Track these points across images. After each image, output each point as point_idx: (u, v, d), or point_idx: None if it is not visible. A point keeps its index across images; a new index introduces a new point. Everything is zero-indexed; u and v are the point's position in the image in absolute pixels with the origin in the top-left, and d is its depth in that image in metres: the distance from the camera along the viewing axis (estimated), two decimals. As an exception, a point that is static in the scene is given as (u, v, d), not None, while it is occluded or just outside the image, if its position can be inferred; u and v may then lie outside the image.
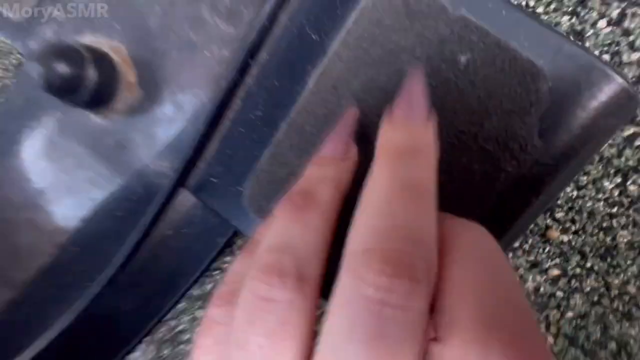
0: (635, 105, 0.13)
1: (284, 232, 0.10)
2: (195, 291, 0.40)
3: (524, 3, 0.25)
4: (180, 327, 0.40)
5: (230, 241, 0.24)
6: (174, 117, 0.16)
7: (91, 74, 0.14)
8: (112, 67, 0.15)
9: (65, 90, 0.13)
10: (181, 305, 0.41)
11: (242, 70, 0.15)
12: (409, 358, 0.07)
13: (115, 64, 0.15)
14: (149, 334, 0.30)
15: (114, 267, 0.16)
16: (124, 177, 0.17)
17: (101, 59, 0.15)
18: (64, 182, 0.17)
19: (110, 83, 0.15)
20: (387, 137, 0.11)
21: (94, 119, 0.17)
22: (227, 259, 0.39)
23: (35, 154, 0.17)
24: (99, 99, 0.15)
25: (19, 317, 0.17)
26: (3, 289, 0.17)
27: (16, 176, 0.18)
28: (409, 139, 0.10)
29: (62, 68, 0.13)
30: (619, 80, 0.12)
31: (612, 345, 0.28)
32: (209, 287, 0.40)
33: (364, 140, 0.14)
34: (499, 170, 0.13)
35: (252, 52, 0.15)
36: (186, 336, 0.40)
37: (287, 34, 0.15)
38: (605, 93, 0.12)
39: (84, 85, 0.14)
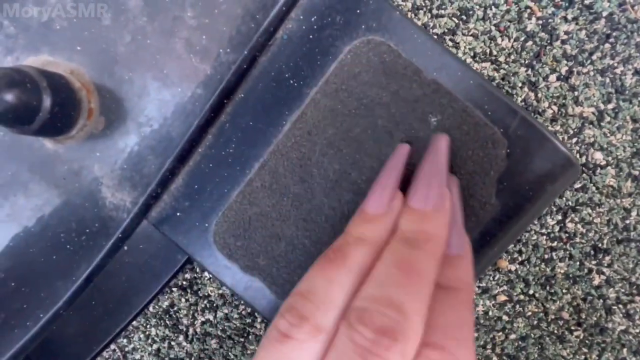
0: (576, 173, 0.15)
1: (312, 281, 0.11)
2: (150, 307, 0.38)
3: (487, 51, 0.27)
4: (132, 345, 0.37)
5: (191, 258, 0.23)
6: (137, 149, 0.15)
7: (46, 102, 0.13)
8: (70, 93, 0.14)
9: (15, 120, 0.12)
10: (134, 322, 0.38)
11: (216, 109, 0.14)
12: None
13: (75, 89, 0.14)
14: (95, 358, 0.28)
15: (62, 305, 0.15)
16: (77, 208, 0.15)
17: (58, 85, 0.13)
18: (5, 209, 0.16)
19: (68, 111, 0.14)
20: (402, 224, 0.12)
21: (45, 143, 0.15)
22: (187, 275, 0.38)
23: (-30, 176, 0.16)
24: (54, 128, 0.14)
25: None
26: None
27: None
28: (418, 228, 0.12)
29: (13, 98, 0.12)
30: (565, 151, 0.14)
31: (546, 365, 0.31)
32: (165, 304, 0.38)
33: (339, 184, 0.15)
34: (459, 224, 0.14)
35: (228, 93, 0.14)
36: (137, 355, 0.37)
37: (264, 77, 0.15)
38: (552, 162, 0.14)
39: (38, 115, 0.13)
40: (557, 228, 0.29)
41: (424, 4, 0.26)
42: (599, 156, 0.26)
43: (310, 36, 0.14)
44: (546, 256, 0.30)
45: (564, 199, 0.29)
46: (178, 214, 0.16)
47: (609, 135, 0.26)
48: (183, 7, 0.14)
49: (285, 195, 0.15)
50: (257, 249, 0.16)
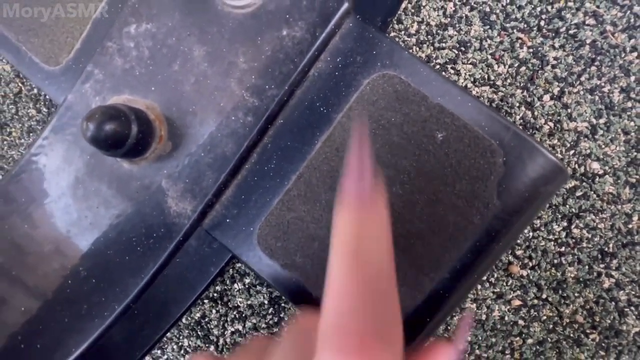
0: (565, 177, 0.17)
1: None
2: (183, 319, 0.40)
3: (486, 77, 0.30)
4: (166, 357, 0.39)
5: (222, 270, 0.26)
6: (197, 166, 0.18)
7: (134, 131, 0.16)
8: (148, 123, 0.18)
9: (111, 145, 0.16)
10: (168, 334, 0.41)
11: (261, 132, 0.18)
12: None
13: (151, 120, 0.18)
14: (136, 365, 0.30)
15: (132, 298, 0.18)
16: (147, 216, 0.19)
17: (141, 117, 0.17)
18: (88, 218, 0.19)
19: (146, 138, 0.17)
20: (339, 225, 0.11)
21: (122, 164, 0.19)
22: (218, 288, 0.40)
23: (61, 192, 0.19)
24: (136, 151, 0.17)
25: (36, 344, 0.18)
26: (23, 315, 0.18)
27: (42, 211, 0.19)
28: (358, 227, 0.11)
29: (112, 127, 0.15)
30: (553, 159, 0.16)
31: (566, 370, 0.31)
32: (197, 315, 0.40)
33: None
34: (467, 222, 0.17)
35: (271, 119, 0.18)
36: (170, 367, 0.39)
37: (300, 106, 0.18)
38: (543, 167, 0.16)
39: (127, 141, 0.16)
40: (563, 234, 0.31)
41: (426, 39, 0.30)
42: (596, 166, 0.29)
43: (336, 73, 0.18)
44: (555, 261, 0.32)
45: (568, 206, 0.31)
46: (228, 220, 0.19)
47: (603, 146, 0.28)
48: (237, 54, 0.17)
49: (318, 202, 0.18)
50: (295, 249, 0.18)
